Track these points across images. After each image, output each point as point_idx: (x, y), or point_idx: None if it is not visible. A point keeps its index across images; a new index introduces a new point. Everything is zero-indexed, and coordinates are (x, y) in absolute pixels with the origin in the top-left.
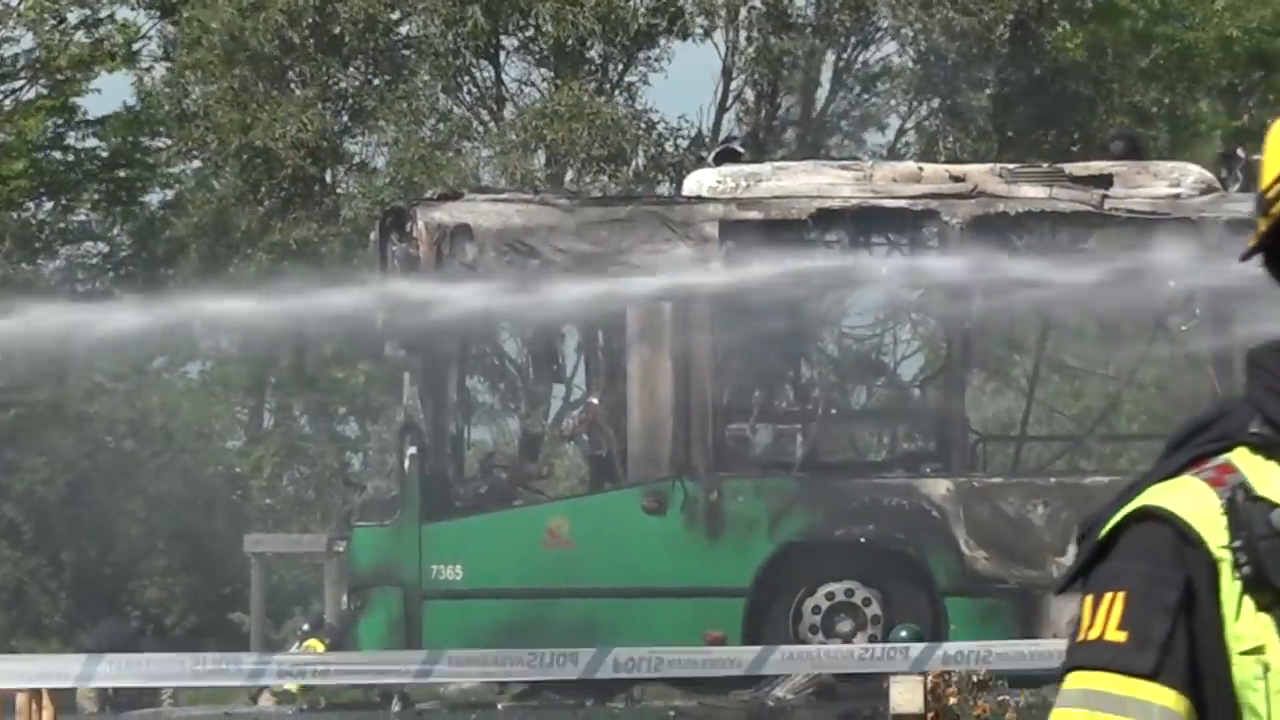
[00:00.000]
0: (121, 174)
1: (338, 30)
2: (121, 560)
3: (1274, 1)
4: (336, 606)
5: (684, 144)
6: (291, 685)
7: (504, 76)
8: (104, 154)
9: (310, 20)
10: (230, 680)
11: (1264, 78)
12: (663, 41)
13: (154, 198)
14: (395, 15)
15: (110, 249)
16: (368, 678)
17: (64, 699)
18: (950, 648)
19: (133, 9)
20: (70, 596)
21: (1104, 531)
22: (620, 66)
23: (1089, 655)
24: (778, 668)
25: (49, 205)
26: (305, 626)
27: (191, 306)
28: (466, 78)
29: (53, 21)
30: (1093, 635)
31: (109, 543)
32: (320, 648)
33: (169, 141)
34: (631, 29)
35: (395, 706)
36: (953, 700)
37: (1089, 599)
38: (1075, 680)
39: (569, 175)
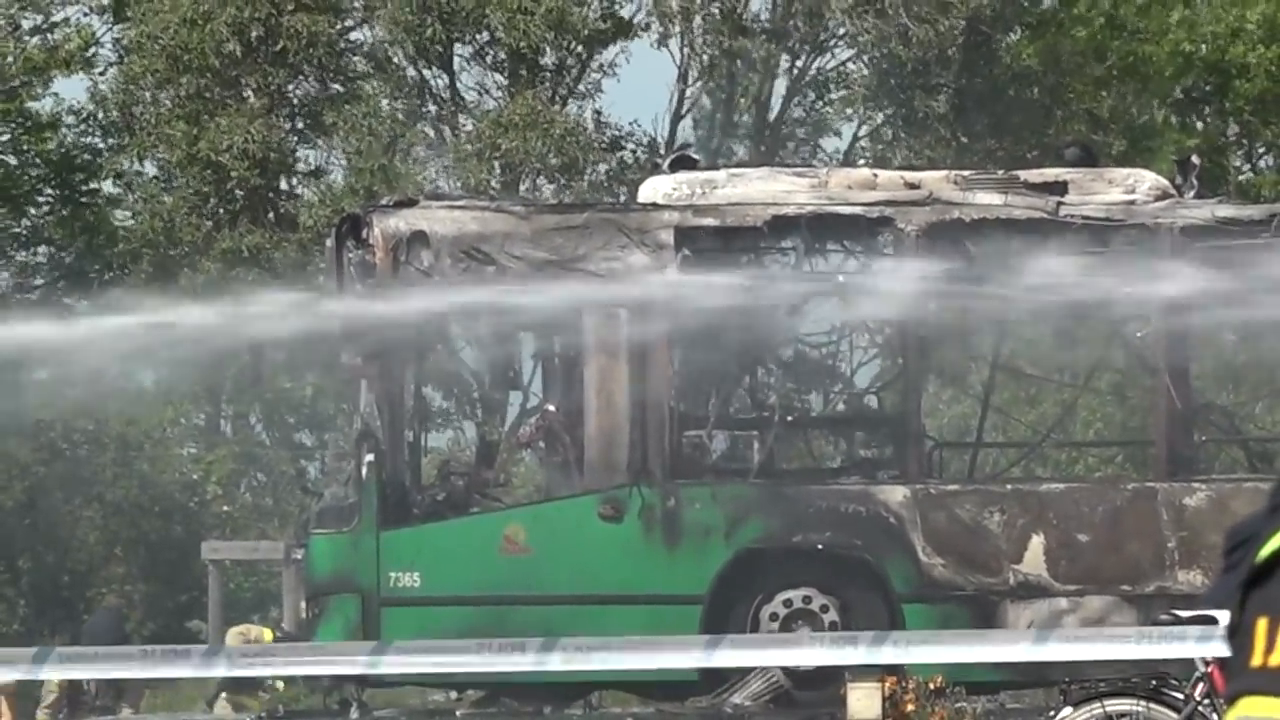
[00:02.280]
0: (74, 176)
1: (280, 46)
2: (79, 568)
3: (1226, 18)
4: (295, 614)
5: (638, 150)
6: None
7: (458, 84)
8: (55, 157)
9: (256, 34)
10: (179, 671)
11: (1220, 88)
12: (614, 47)
13: (105, 192)
14: (347, 24)
15: (60, 254)
16: (316, 668)
17: (24, 709)
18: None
19: (85, 14)
20: (28, 604)
21: (1267, 553)
22: (574, 73)
23: (1268, 681)
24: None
25: (2, 210)
26: (254, 618)
27: (147, 314)
28: (423, 89)
29: (6, 28)
30: (1273, 661)
31: (66, 550)
32: (269, 636)
33: (115, 142)
34: (581, 34)
35: (354, 714)
36: (910, 707)
37: (1264, 622)
38: (1254, 706)
39: (523, 186)
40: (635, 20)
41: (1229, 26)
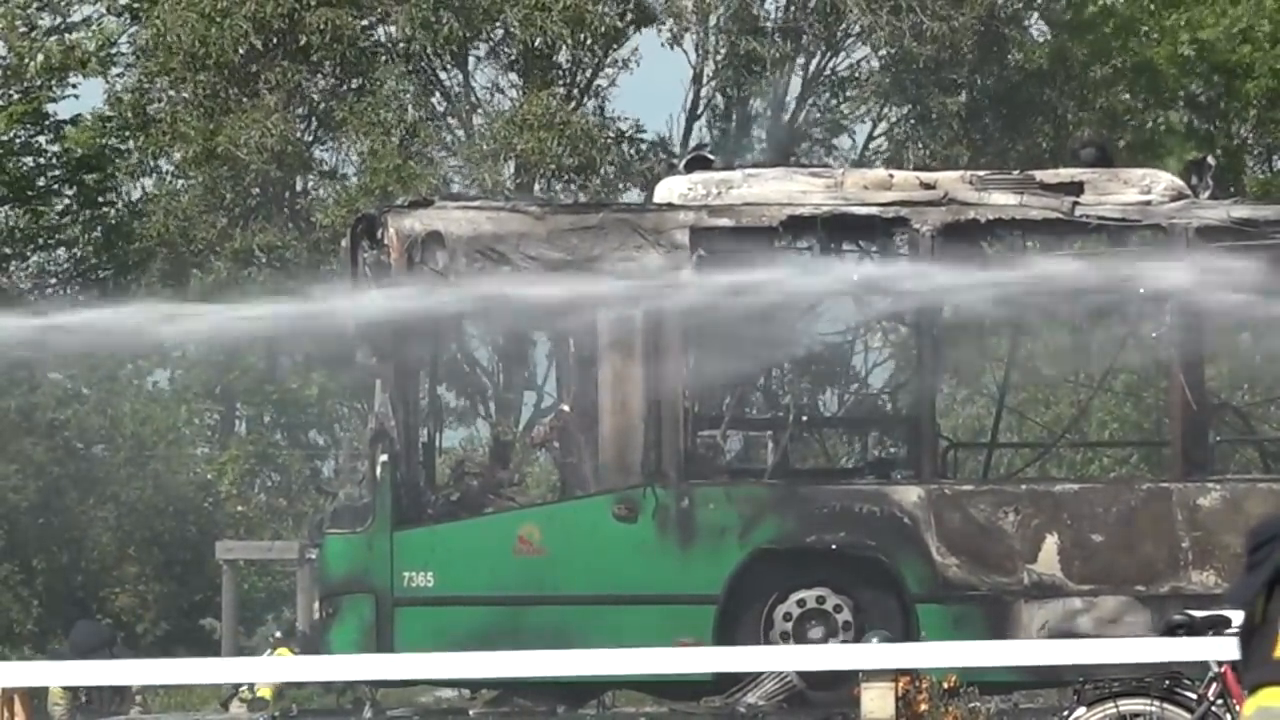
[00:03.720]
0: (91, 178)
1: (304, 40)
2: (93, 568)
3: (1229, 16)
4: (308, 614)
5: (646, 148)
6: (265, 691)
7: (473, 83)
8: (75, 156)
9: (277, 28)
10: (196, 678)
11: (1229, 89)
12: (631, 40)
13: (125, 194)
14: (365, 23)
15: (79, 256)
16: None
17: (35, 707)
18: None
19: (102, 15)
20: (42, 604)
21: None
22: (589, 71)
23: None
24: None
25: (19, 211)
26: (277, 634)
27: (162, 313)
28: (436, 86)
29: (23, 29)
30: None
31: (80, 550)
32: (290, 655)
33: (134, 145)
34: (599, 30)
35: (367, 714)
36: (924, 707)
37: None
38: (1274, 697)
39: (538, 185)
40: (652, 9)
41: (1227, 29)
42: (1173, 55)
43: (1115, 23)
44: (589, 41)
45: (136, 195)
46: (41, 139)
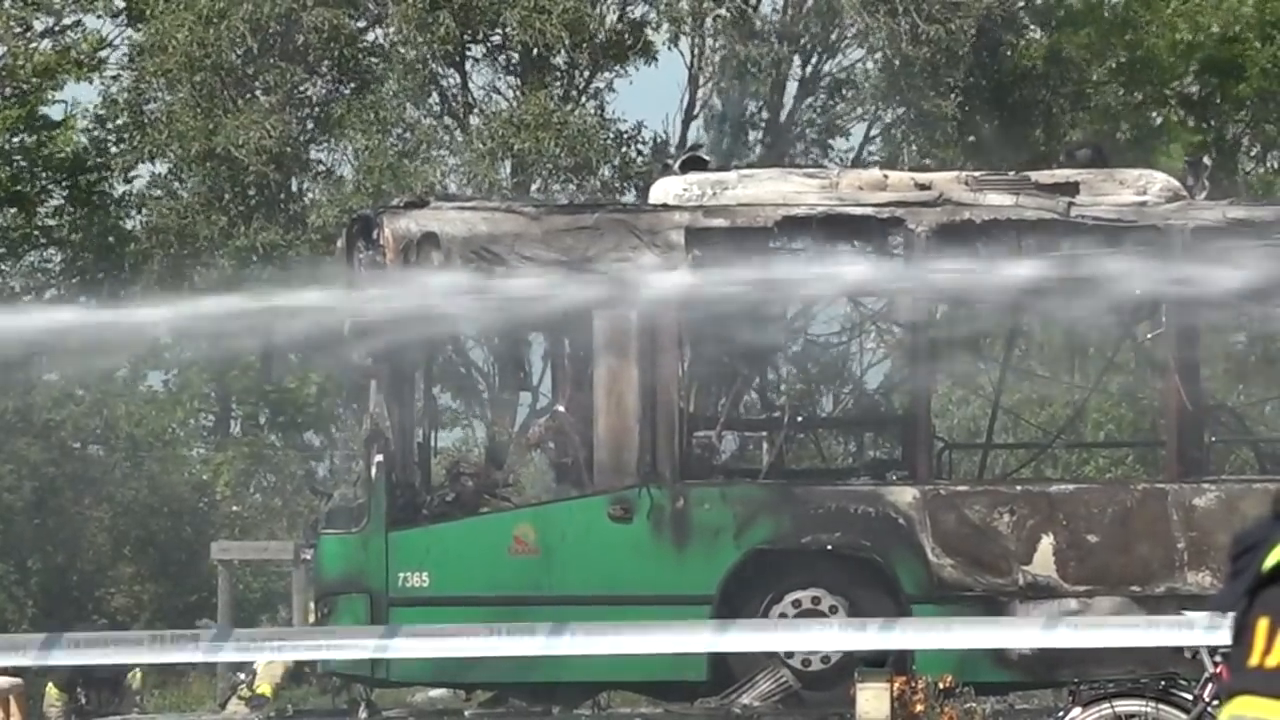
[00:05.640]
0: (84, 179)
1: (300, 40)
2: (88, 568)
3: (1225, 8)
4: (304, 614)
5: (646, 150)
6: (265, 688)
7: (470, 84)
8: (65, 159)
9: (273, 28)
10: (188, 655)
11: (1220, 86)
12: (629, 55)
13: (119, 191)
14: (361, 24)
15: (73, 255)
16: (326, 652)
17: (32, 707)
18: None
19: (99, 17)
20: (37, 604)
21: (1273, 562)
22: (587, 73)
23: (1263, 682)
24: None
25: (12, 210)
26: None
27: (157, 312)
28: (433, 86)
29: (18, 29)
30: (1270, 662)
31: (75, 550)
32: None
33: (129, 147)
34: (598, 39)
35: (362, 713)
36: (919, 708)
37: (1264, 622)
38: (1246, 706)
39: (535, 185)
40: (648, 21)
41: (1225, 18)
42: (1172, 43)
43: (1110, 12)
44: (587, 46)
45: (132, 194)
46: (36, 140)
